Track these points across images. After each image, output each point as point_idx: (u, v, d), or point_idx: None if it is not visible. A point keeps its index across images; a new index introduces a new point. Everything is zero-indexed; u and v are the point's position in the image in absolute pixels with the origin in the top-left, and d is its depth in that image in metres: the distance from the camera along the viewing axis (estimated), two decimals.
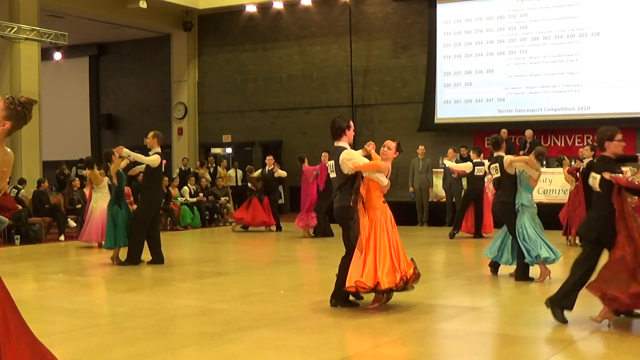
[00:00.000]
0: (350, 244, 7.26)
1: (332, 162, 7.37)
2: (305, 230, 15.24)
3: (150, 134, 11.17)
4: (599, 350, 5.82)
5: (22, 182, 16.85)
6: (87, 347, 6.00)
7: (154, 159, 10.92)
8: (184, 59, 24.44)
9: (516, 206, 9.05)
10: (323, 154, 15.43)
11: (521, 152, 17.62)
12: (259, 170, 17.00)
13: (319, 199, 14.94)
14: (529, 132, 18.25)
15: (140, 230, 11.01)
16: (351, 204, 7.19)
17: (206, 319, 7.09)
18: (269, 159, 17.13)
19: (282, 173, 16.75)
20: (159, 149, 11.08)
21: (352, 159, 7.22)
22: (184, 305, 7.87)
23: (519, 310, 7.75)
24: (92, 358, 5.67)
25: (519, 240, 8.97)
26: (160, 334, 6.46)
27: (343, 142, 7.40)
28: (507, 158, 9.28)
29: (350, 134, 7.39)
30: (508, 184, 9.22)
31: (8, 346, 3.78)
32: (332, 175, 7.45)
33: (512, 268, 9.34)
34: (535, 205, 9.13)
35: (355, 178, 7.27)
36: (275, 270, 10.88)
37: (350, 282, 7.09)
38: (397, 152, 7.49)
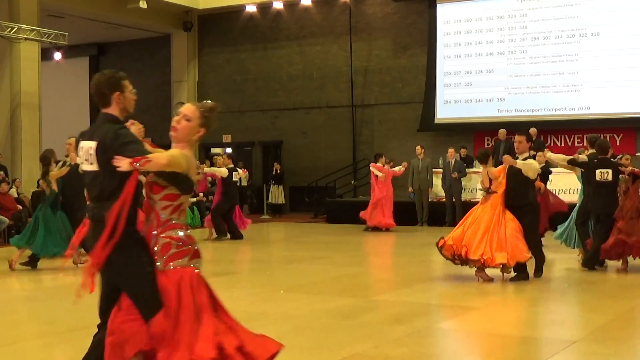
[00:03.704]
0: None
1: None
2: (210, 232, 15.23)
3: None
4: (599, 350, 5.81)
5: (14, 180, 16.86)
6: (87, 347, 5.98)
7: None
8: (184, 59, 24.44)
9: None
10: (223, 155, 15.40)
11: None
12: None
13: (220, 201, 14.92)
14: (533, 130, 18.15)
15: None
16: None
17: None
18: None
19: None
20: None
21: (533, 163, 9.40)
22: None
23: (518, 310, 7.75)
24: None
25: None
26: None
27: None
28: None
29: None
30: None
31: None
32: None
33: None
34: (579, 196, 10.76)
35: None
36: (275, 270, 10.87)
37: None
38: None
